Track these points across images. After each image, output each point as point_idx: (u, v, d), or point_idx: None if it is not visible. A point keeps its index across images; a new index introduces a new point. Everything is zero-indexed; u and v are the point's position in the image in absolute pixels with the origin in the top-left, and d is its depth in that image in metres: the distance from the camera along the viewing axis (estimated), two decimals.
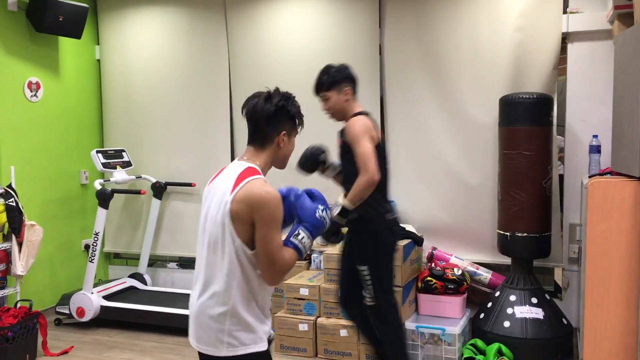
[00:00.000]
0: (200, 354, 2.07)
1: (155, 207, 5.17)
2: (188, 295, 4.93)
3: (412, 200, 4.63)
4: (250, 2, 4.93)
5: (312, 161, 3.28)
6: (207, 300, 2.00)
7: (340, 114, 3.21)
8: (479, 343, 3.84)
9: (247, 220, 1.92)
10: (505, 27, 4.25)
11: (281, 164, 2.15)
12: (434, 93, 4.51)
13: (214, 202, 2.00)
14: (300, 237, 2.01)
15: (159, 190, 5.17)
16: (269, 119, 2.05)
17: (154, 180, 5.18)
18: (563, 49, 4.24)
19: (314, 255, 4.51)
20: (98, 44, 5.47)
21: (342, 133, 3.18)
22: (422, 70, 4.52)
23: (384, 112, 4.68)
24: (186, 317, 4.34)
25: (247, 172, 1.98)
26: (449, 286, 4.05)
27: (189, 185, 5.15)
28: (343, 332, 3.99)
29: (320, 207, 2.04)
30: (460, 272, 4.10)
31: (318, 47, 4.76)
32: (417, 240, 4.13)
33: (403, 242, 3.93)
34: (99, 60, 5.49)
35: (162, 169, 5.27)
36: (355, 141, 3.03)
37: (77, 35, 4.93)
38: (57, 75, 5.06)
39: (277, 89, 2.12)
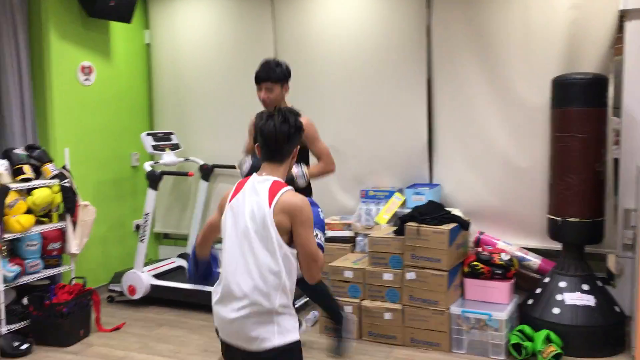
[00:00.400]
0: (246, 353, 2.19)
1: (202, 188, 5.26)
2: None
3: (459, 184, 4.56)
4: None
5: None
6: (256, 299, 2.15)
7: (273, 105, 3.38)
8: (527, 329, 3.77)
9: (287, 227, 2.16)
10: (559, 4, 4.10)
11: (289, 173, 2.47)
12: (483, 74, 4.40)
13: (249, 216, 2.19)
14: (319, 236, 2.23)
15: (206, 172, 5.24)
16: (289, 139, 2.29)
17: (201, 163, 5.26)
18: (620, 28, 4.06)
19: (358, 238, 4.50)
20: (148, 29, 5.56)
21: None
22: (471, 50, 4.41)
23: (431, 94, 4.61)
24: None
25: (277, 186, 2.21)
26: (496, 271, 3.97)
27: (234, 167, 5.19)
28: (387, 315, 3.98)
29: (320, 209, 2.31)
30: (508, 257, 4.02)
31: (364, 30, 4.71)
32: (464, 224, 4.06)
33: (449, 226, 3.88)
34: (148, 45, 5.58)
35: (209, 152, 5.34)
36: (315, 138, 3.60)
37: (127, 19, 5.02)
38: (108, 60, 5.18)
39: (279, 108, 2.32)
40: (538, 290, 3.94)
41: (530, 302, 3.94)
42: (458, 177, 4.57)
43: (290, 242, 2.16)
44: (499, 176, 4.43)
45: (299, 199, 2.18)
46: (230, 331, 2.22)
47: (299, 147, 2.35)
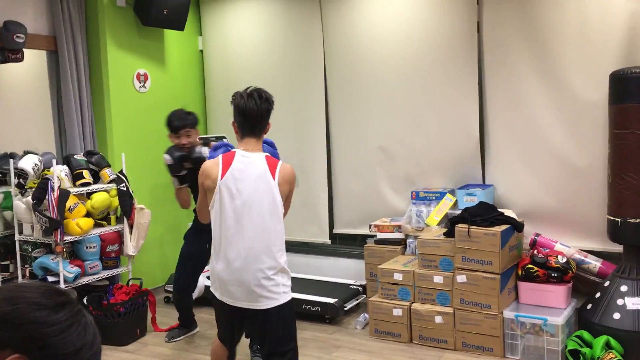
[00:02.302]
0: (252, 311, 2.62)
1: None
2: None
3: (513, 184, 4.42)
4: None
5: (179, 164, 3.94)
6: (260, 261, 2.57)
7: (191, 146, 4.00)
8: (586, 335, 3.62)
9: (286, 192, 2.64)
10: None
11: None
12: (537, 70, 4.26)
13: (253, 188, 2.56)
14: None
15: None
16: (267, 114, 2.66)
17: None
18: None
19: (408, 240, 4.44)
20: (201, 35, 5.69)
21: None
22: (523, 46, 4.28)
23: (482, 92, 4.50)
24: None
25: (271, 160, 2.62)
26: (552, 274, 3.83)
27: None
28: (438, 319, 3.91)
29: None
30: (565, 259, 3.87)
31: (413, 28, 4.65)
32: (517, 226, 3.94)
33: (501, 228, 3.77)
34: (201, 51, 5.71)
35: None
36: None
37: (180, 27, 5.15)
38: (163, 67, 5.33)
39: (254, 88, 2.68)
40: (597, 295, 3.77)
41: (589, 306, 3.78)
42: (512, 177, 4.44)
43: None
44: (555, 175, 4.27)
45: (293, 170, 2.67)
46: (239, 294, 2.59)
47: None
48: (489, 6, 4.38)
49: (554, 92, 4.20)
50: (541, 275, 3.84)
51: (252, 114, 2.60)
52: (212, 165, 2.63)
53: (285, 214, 2.71)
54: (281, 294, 2.62)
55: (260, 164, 2.58)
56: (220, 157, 2.66)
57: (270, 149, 2.95)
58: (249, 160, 2.58)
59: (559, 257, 3.88)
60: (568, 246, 4.15)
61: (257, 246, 2.56)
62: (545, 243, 4.18)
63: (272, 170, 2.58)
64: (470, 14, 4.43)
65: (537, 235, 4.24)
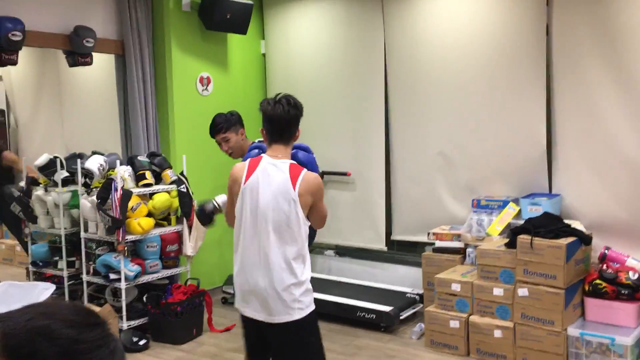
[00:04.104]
0: (267, 325, 2.50)
1: None
2: (342, 283, 5.05)
3: (582, 194, 4.21)
4: None
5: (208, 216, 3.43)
6: (274, 272, 2.46)
7: (239, 151, 3.67)
8: None
9: (309, 203, 2.50)
10: None
11: None
12: (610, 75, 4.03)
13: (271, 195, 2.46)
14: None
15: None
16: (296, 120, 2.56)
17: None
18: None
19: (468, 250, 4.30)
20: (263, 39, 5.73)
21: None
22: (596, 50, 4.06)
23: (551, 97, 4.30)
24: (340, 304, 4.45)
25: (295, 168, 2.49)
26: (622, 291, 3.61)
27: (344, 174, 5.20)
28: (497, 333, 3.76)
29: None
30: (636, 275, 3.64)
31: (478, 31, 4.51)
32: (584, 239, 3.74)
33: (566, 240, 3.58)
34: (264, 55, 5.75)
35: (319, 158, 5.29)
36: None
37: (242, 31, 5.21)
38: (225, 70, 5.40)
39: (283, 94, 2.58)
40: None
41: None
42: (581, 187, 4.22)
43: (308, 215, 2.51)
44: (628, 186, 4.03)
45: (317, 179, 2.52)
46: (253, 304, 2.51)
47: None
48: (559, 7, 4.18)
49: (628, 97, 3.96)
50: (610, 291, 3.63)
51: (279, 120, 2.53)
52: (239, 169, 2.60)
53: (317, 224, 2.62)
54: (295, 309, 2.47)
55: (282, 173, 2.48)
56: (248, 161, 2.60)
57: (306, 154, 2.77)
58: (273, 168, 2.50)
59: (630, 272, 3.66)
60: None
61: (273, 256, 2.46)
62: (616, 257, 3.94)
63: (294, 180, 2.46)
64: (538, 16, 4.25)
65: (607, 249, 4.00)
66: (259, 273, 2.49)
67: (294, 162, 2.53)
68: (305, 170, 2.50)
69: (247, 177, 2.52)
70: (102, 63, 4.95)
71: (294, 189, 2.43)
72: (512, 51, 4.39)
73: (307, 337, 2.55)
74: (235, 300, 2.66)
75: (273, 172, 2.48)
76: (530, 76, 4.32)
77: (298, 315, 2.48)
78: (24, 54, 6.84)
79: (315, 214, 2.55)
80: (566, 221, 3.88)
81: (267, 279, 2.47)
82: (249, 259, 2.51)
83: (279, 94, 2.59)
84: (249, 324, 2.60)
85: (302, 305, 2.48)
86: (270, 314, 2.49)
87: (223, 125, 3.68)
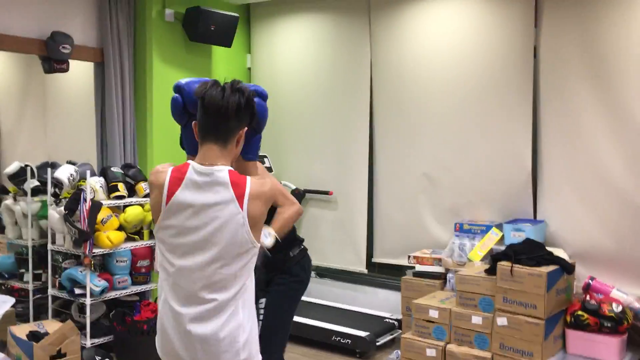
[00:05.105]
0: None
1: None
2: (323, 305, 4.88)
3: (567, 221, 4.07)
4: (394, 6, 4.73)
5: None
6: (217, 319, 1.88)
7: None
8: None
9: (263, 217, 1.92)
10: None
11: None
12: (597, 99, 3.93)
13: (208, 217, 1.85)
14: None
15: (298, 197, 5.14)
16: (237, 111, 1.87)
17: (293, 187, 5.18)
18: None
19: (449, 275, 4.16)
20: (249, 53, 5.63)
21: None
22: (583, 73, 3.96)
23: (537, 120, 4.20)
24: (318, 328, 4.28)
25: (235, 177, 1.87)
26: (605, 324, 3.47)
27: (326, 193, 5.07)
28: None
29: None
30: (620, 308, 3.50)
31: (465, 52, 4.42)
32: (567, 267, 3.60)
33: (548, 268, 3.45)
34: (249, 69, 5.65)
35: (301, 176, 5.26)
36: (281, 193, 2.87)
37: (227, 43, 5.10)
38: None
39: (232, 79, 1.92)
40: None
41: None
42: (566, 213, 4.09)
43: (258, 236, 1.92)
44: (614, 214, 3.90)
45: (267, 187, 1.90)
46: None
47: (245, 130, 1.92)
48: (547, 29, 4.10)
49: (616, 123, 3.85)
50: (592, 323, 3.49)
51: (214, 106, 1.84)
52: (154, 186, 1.92)
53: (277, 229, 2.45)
54: None
55: (221, 187, 1.85)
56: (169, 172, 1.91)
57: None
58: (205, 181, 1.86)
59: (614, 304, 3.52)
60: (626, 293, 3.75)
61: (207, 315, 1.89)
62: (601, 288, 3.80)
63: (240, 194, 1.84)
64: (526, 37, 4.16)
65: (592, 279, 3.86)
66: (187, 317, 1.93)
67: (231, 168, 1.91)
68: (249, 177, 1.90)
69: (168, 199, 1.88)
70: (86, 70, 4.83)
71: (241, 206, 1.84)
72: (500, 72, 4.29)
73: None
74: None
75: (207, 187, 1.86)
76: (517, 98, 4.22)
77: None
78: (9, 59, 6.80)
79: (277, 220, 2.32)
80: (549, 249, 3.75)
81: (206, 322, 1.92)
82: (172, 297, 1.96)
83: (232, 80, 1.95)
84: None
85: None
86: None
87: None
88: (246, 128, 1.94)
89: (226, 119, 1.87)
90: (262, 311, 2.87)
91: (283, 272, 2.96)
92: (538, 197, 4.23)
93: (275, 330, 2.86)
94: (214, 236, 1.86)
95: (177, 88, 2.06)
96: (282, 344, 2.97)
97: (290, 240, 2.94)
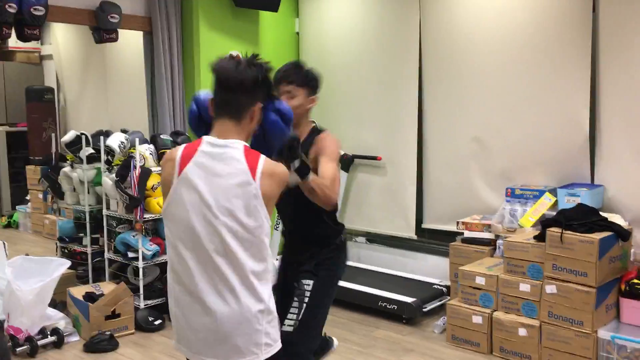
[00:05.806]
0: None
1: (342, 180, 5.14)
2: (372, 271, 4.87)
3: (627, 186, 3.85)
4: None
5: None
6: (240, 302, 1.82)
7: (297, 117, 2.45)
8: None
9: (274, 197, 1.87)
10: None
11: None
12: None
13: (222, 194, 1.80)
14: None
15: (346, 163, 5.11)
16: (253, 86, 1.86)
17: (342, 153, 5.14)
18: None
19: (498, 242, 4.03)
20: (298, 17, 5.56)
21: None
22: None
23: (596, 80, 3.95)
24: (365, 293, 4.28)
25: (251, 154, 1.85)
26: None
27: (375, 158, 5.00)
28: (522, 331, 3.51)
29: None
30: None
31: (518, 10, 4.19)
32: (622, 234, 3.41)
33: (600, 235, 3.28)
34: (297, 33, 5.59)
35: (350, 142, 5.19)
36: (331, 155, 2.47)
37: (274, 8, 5.05)
38: (257, 48, 5.25)
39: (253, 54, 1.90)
40: None
41: None
42: (626, 178, 3.86)
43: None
44: None
45: (281, 168, 1.88)
46: (199, 343, 1.87)
47: (261, 106, 1.88)
48: None
49: None
50: None
51: (227, 79, 1.82)
52: (166, 160, 1.89)
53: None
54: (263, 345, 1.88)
55: (235, 161, 1.81)
56: (181, 147, 1.89)
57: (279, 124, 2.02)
58: (219, 153, 1.82)
59: None
60: None
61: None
62: None
63: (252, 168, 1.81)
64: None
65: None
66: (210, 301, 1.90)
67: (245, 143, 1.88)
68: (263, 156, 1.85)
69: (181, 168, 1.83)
70: (135, 40, 4.92)
71: (254, 181, 1.80)
72: (555, 29, 4.05)
73: None
74: None
75: (221, 161, 1.82)
76: (574, 56, 3.98)
77: (265, 354, 1.88)
78: (69, 32, 7.01)
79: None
80: (605, 214, 3.56)
81: (229, 305, 1.90)
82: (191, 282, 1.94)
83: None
84: None
85: (269, 341, 1.88)
86: (229, 356, 1.87)
87: (302, 79, 2.60)
88: (261, 105, 1.91)
89: (238, 92, 1.84)
90: (307, 293, 2.73)
91: (328, 257, 2.77)
92: (596, 161, 4.01)
93: (316, 316, 2.71)
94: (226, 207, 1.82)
95: (194, 99, 2.10)
96: (321, 327, 2.80)
97: (339, 230, 2.73)
